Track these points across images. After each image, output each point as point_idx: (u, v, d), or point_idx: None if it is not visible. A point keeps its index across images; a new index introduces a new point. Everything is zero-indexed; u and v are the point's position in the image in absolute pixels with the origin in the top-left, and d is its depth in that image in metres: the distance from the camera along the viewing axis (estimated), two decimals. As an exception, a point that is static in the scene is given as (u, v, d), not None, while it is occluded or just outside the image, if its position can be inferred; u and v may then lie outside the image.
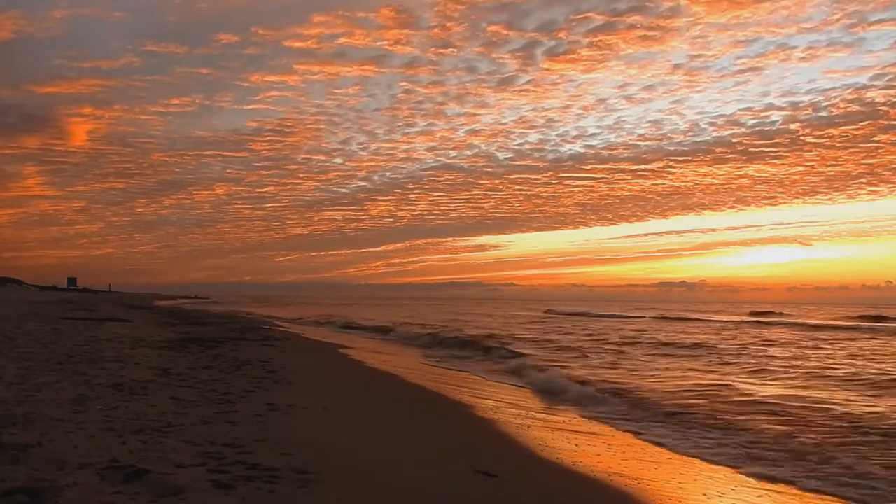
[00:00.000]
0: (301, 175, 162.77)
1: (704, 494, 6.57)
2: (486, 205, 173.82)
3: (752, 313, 63.33)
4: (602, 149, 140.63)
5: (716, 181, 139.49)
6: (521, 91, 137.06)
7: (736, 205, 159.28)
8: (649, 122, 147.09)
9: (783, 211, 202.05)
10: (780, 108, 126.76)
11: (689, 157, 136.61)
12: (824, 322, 46.53)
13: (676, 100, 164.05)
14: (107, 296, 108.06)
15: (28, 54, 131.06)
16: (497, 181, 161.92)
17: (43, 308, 37.82)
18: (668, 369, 17.47)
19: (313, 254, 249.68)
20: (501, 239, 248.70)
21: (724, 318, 55.50)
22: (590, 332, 34.22)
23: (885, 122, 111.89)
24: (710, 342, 26.64)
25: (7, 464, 5.00)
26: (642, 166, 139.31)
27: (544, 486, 6.34)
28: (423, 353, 22.01)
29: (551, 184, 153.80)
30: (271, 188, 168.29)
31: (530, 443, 8.25)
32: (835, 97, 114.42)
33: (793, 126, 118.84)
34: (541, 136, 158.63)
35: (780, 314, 61.48)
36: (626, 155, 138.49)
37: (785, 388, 14.11)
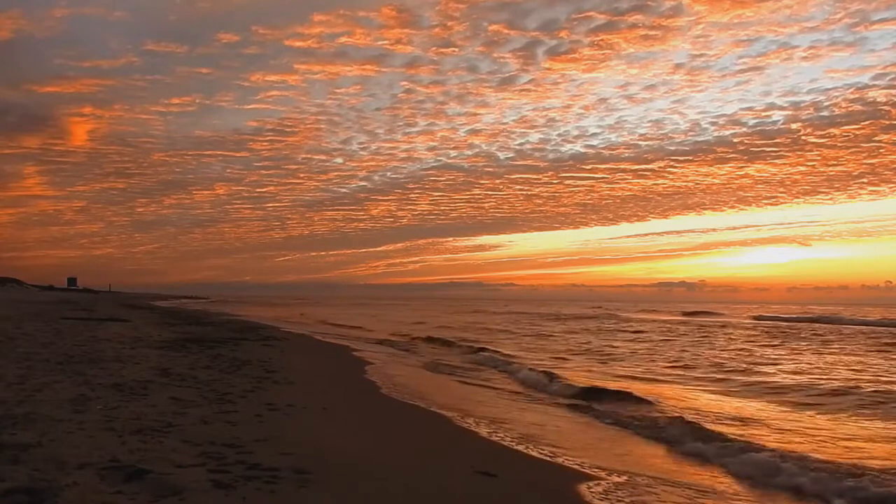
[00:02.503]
0: (301, 175, 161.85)
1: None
2: (486, 205, 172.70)
3: (684, 313, 69.06)
4: (603, 148, 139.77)
5: (717, 181, 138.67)
6: (521, 91, 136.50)
7: (737, 205, 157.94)
8: (650, 121, 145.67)
9: (784, 211, 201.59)
10: (781, 108, 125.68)
11: (691, 157, 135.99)
12: (717, 320, 51.44)
13: (678, 99, 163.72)
14: (107, 296, 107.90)
15: (28, 54, 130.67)
16: (497, 181, 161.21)
17: (43, 308, 37.80)
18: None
19: (313, 254, 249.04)
20: (502, 239, 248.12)
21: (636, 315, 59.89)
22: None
23: (887, 122, 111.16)
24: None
25: (7, 464, 5.00)
26: (643, 166, 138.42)
27: (544, 485, 6.34)
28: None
29: (552, 184, 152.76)
30: (271, 188, 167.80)
31: (531, 442, 8.26)
32: (836, 97, 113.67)
33: (794, 126, 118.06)
34: (542, 136, 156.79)
35: (710, 314, 67.04)
36: (627, 155, 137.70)
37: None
